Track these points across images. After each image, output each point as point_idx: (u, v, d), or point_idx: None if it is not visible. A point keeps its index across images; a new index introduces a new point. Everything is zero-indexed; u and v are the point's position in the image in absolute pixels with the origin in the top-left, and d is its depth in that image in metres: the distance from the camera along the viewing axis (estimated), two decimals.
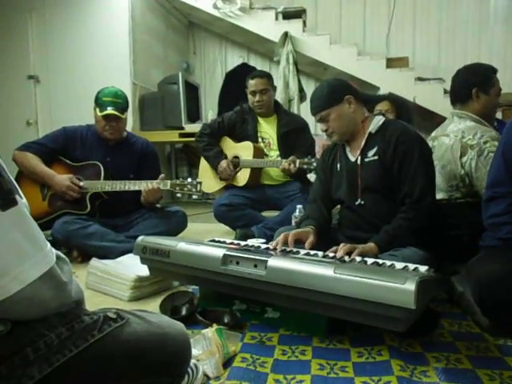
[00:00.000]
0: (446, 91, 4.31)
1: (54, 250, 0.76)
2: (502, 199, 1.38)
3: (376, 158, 1.76)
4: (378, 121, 1.82)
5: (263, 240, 1.89)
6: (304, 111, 4.57)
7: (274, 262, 1.31)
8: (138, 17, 4.32)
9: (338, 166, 1.90)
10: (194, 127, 4.24)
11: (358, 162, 1.80)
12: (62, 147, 2.51)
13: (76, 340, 0.77)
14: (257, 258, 1.35)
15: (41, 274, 0.70)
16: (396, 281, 1.11)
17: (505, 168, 1.39)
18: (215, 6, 4.67)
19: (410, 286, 1.09)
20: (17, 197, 0.70)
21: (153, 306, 1.65)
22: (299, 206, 2.38)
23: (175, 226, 2.58)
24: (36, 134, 4.25)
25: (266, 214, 3.05)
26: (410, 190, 1.68)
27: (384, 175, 1.74)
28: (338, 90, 1.80)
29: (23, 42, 4.33)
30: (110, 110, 2.42)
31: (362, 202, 1.79)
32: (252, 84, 2.98)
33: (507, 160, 1.39)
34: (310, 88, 5.09)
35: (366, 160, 1.78)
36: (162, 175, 2.47)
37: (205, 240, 1.78)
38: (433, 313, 1.45)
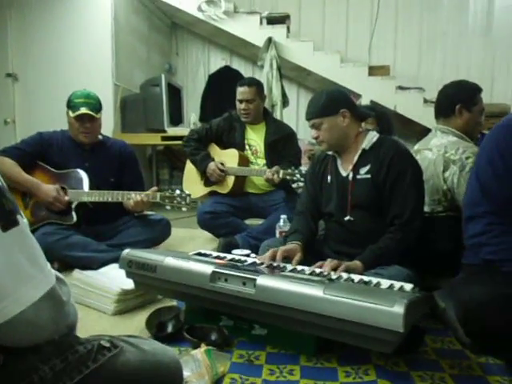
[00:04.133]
0: (425, 100, 4.39)
1: (52, 270, 0.75)
2: (480, 219, 1.40)
3: (368, 176, 1.76)
4: (372, 137, 1.83)
5: (248, 251, 1.89)
6: (287, 116, 4.60)
7: (263, 280, 1.31)
8: (121, 17, 4.25)
9: (329, 178, 1.90)
10: (177, 130, 4.21)
11: (350, 177, 1.81)
12: (40, 152, 2.43)
13: (70, 372, 0.76)
14: (246, 276, 1.35)
15: (41, 295, 0.69)
16: (385, 303, 1.13)
17: (479, 189, 1.42)
18: (199, 9, 4.63)
19: (399, 309, 1.11)
20: (18, 217, 0.69)
21: (138, 320, 1.63)
22: (283, 216, 2.39)
23: (159, 234, 2.56)
24: (13, 133, 4.14)
25: (249, 222, 3.04)
26: (400, 212, 1.70)
27: (375, 194, 1.75)
28: (334, 102, 1.81)
29: (1, 39, 4.19)
30: (83, 110, 2.37)
31: (352, 218, 1.79)
32: (239, 92, 2.95)
33: (480, 181, 1.42)
34: (292, 93, 5.12)
35: (358, 177, 1.79)
36: (154, 188, 2.45)
37: (190, 252, 1.77)
38: (418, 330, 1.47)
